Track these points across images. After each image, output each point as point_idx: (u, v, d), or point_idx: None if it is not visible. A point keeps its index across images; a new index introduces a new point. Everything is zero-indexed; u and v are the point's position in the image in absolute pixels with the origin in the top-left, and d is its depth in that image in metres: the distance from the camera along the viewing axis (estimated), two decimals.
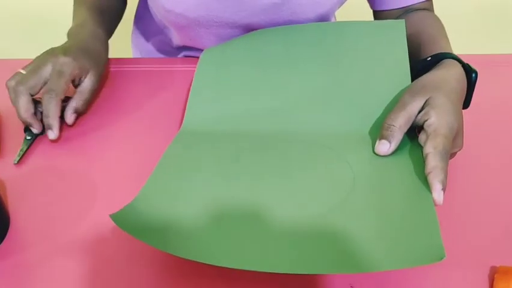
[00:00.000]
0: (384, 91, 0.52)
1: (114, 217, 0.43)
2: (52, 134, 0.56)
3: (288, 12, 0.65)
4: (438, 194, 0.41)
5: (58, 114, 0.57)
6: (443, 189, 0.41)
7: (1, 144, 0.58)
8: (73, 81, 0.59)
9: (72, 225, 0.48)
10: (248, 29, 0.68)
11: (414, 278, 0.43)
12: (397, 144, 0.46)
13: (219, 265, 0.38)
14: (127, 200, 0.50)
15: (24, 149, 0.56)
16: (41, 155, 0.57)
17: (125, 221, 0.43)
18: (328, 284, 0.43)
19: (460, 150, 0.48)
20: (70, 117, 0.59)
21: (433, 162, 0.42)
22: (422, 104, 0.46)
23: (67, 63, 0.58)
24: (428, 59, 0.55)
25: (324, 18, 0.68)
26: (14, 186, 0.52)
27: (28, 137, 0.58)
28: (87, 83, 0.60)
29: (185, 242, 0.41)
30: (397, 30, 0.58)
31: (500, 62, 0.65)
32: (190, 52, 0.78)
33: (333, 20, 0.77)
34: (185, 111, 0.58)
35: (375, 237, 0.39)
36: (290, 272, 0.37)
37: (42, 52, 0.60)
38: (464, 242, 0.46)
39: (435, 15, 0.68)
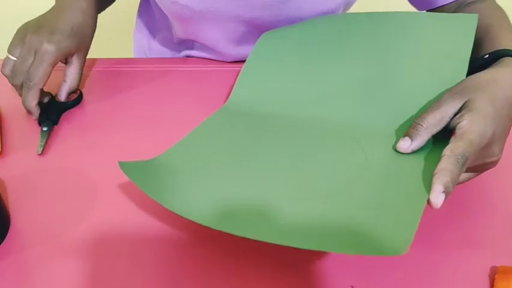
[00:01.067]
0: (432, 89, 0.50)
1: (123, 165, 0.47)
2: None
3: (293, 8, 0.65)
4: (435, 196, 0.38)
5: (35, 101, 0.59)
6: (445, 192, 0.38)
7: (1, 144, 0.58)
8: (60, 61, 0.62)
9: (72, 225, 0.48)
10: (252, 23, 0.68)
11: (415, 278, 0.43)
12: (420, 144, 0.44)
13: (219, 229, 0.40)
14: (127, 199, 0.51)
15: (45, 141, 0.58)
16: (41, 155, 0.57)
17: (133, 170, 0.47)
18: (329, 284, 0.43)
19: (496, 159, 0.45)
20: (64, 97, 0.63)
21: (443, 164, 0.39)
22: (459, 106, 0.43)
23: (49, 52, 0.58)
24: (486, 56, 0.51)
25: None
26: (15, 186, 0.52)
27: (44, 129, 0.59)
28: (75, 63, 0.62)
29: (188, 203, 0.43)
30: (467, 25, 0.55)
31: None
32: (191, 51, 0.78)
33: None
34: (233, 89, 0.60)
35: (356, 222, 0.39)
36: (271, 242, 0.38)
37: (29, 22, 0.62)
38: (464, 242, 0.46)
39: (497, 5, 0.62)
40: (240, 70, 0.63)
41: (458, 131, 0.42)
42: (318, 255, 0.45)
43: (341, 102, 0.54)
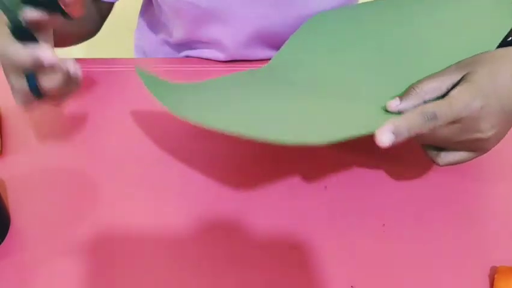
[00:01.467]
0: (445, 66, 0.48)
1: (139, 71, 0.50)
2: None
3: (299, 6, 0.65)
4: (381, 132, 0.38)
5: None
6: (395, 134, 0.38)
7: (1, 144, 0.58)
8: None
9: (72, 225, 0.48)
10: (257, 23, 0.67)
11: (415, 277, 0.43)
12: (407, 106, 0.44)
13: (223, 129, 0.40)
14: (127, 199, 0.51)
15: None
16: (42, 154, 0.57)
17: (149, 78, 0.51)
18: (329, 284, 0.43)
19: (485, 137, 0.42)
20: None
21: (408, 113, 0.40)
22: (458, 78, 0.43)
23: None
24: (509, 39, 0.50)
25: None
26: (15, 186, 0.52)
27: None
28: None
29: (196, 105, 0.47)
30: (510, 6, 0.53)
31: None
32: (191, 51, 0.78)
33: None
34: (275, 55, 0.63)
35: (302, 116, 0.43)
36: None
37: None
38: (464, 242, 0.47)
39: None
40: (239, 70, 0.63)
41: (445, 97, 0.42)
42: (319, 255, 0.45)
43: (361, 77, 0.54)
